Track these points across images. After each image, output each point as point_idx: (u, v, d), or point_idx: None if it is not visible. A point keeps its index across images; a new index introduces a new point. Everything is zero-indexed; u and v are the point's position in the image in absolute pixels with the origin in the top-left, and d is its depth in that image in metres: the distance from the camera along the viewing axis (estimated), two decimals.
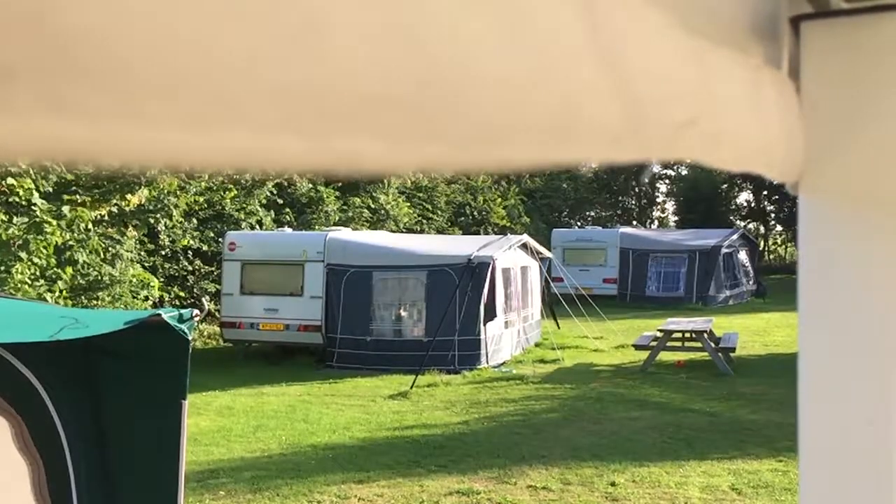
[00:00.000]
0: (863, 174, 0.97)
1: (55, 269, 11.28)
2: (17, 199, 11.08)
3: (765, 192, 41.30)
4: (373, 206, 22.91)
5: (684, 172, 42.19)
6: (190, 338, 3.03)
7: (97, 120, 0.21)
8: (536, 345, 15.54)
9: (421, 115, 0.27)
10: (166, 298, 14.70)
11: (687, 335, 13.04)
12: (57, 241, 11.17)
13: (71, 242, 11.74)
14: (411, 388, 11.30)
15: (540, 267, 16.31)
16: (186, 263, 17.23)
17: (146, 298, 13.63)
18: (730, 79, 0.67)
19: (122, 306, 12.60)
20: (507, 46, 0.33)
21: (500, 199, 30.07)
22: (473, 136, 0.29)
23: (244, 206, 17.78)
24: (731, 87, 0.67)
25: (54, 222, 11.05)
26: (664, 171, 43.13)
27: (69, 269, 11.49)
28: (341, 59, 0.24)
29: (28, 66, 0.20)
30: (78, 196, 12.41)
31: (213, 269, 17.44)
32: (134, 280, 13.38)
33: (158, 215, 14.42)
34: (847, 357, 1.00)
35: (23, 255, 10.64)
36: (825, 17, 0.96)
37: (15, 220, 11.03)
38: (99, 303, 12.38)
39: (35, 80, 0.20)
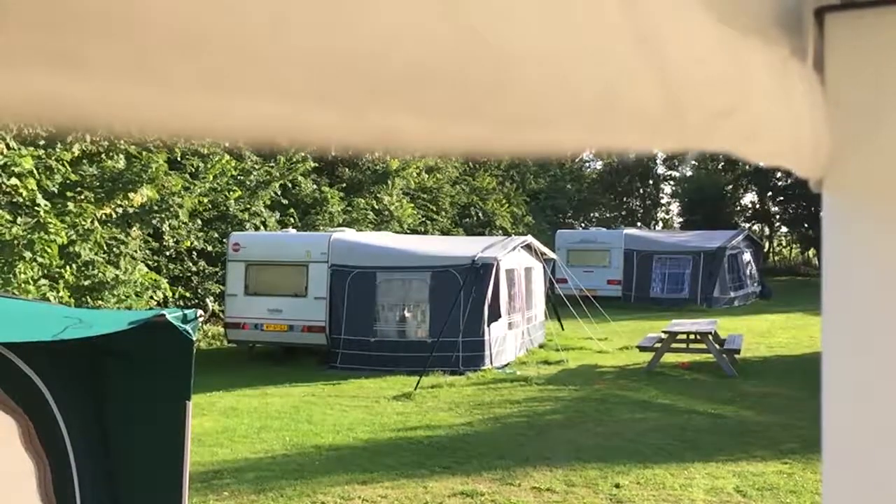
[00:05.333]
0: (888, 171, 0.94)
1: (58, 268, 11.25)
2: (20, 199, 11.07)
3: (769, 194, 41.26)
4: (377, 206, 22.89)
5: (689, 173, 42.16)
6: (194, 338, 3.01)
7: (106, 77, 0.18)
8: (540, 346, 15.51)
9: (462, 91, 0.24)
10: (170, 299, 14.69)
11: (691, 337, 13.01)
12: (62, 241, 11.15)
13: (74, 237, 11.71)
14: (415, 389, 11.27)
15: (544, 268, 16.28)
16: (191, 264, 17.23)
17: (151, 298, 13.62)
18: (763, 70, 0.64)
19: (127, 307, 12.58)
20: (547, 26, 0.31)
21: (504, 201, 30.06)
22: (516, 116, 0.27)
23: (248, 206, 17.78)
24: (765, 79, 0.64)
25: (59, 223, 11.04)
26: (669, 173, 43.10)
27: (69, 269, 11.46)
28: (378, 27, 0.21)
29: (22, 12, 0.17)
30: (82, 195, 12.41)
31: (217, 269, 17.44)
32: (140, 281, 13.36)
33: (163, 216, 14.42)
34: (871, 356, 0.97)
35: (27, 254, 10.63)
36: (849, 9, 0.94)
37: (19, 220, 11.02)
38: (104, 303, 12.36)
39: (30, 28, 0.17)
